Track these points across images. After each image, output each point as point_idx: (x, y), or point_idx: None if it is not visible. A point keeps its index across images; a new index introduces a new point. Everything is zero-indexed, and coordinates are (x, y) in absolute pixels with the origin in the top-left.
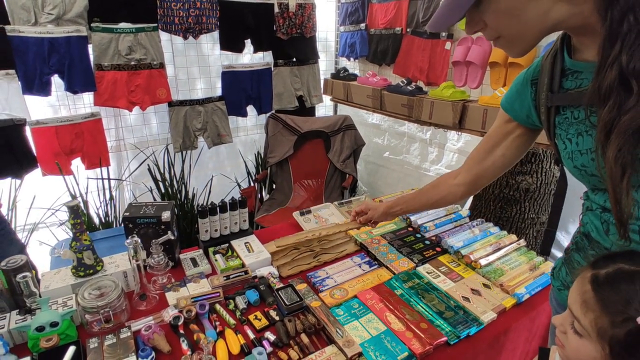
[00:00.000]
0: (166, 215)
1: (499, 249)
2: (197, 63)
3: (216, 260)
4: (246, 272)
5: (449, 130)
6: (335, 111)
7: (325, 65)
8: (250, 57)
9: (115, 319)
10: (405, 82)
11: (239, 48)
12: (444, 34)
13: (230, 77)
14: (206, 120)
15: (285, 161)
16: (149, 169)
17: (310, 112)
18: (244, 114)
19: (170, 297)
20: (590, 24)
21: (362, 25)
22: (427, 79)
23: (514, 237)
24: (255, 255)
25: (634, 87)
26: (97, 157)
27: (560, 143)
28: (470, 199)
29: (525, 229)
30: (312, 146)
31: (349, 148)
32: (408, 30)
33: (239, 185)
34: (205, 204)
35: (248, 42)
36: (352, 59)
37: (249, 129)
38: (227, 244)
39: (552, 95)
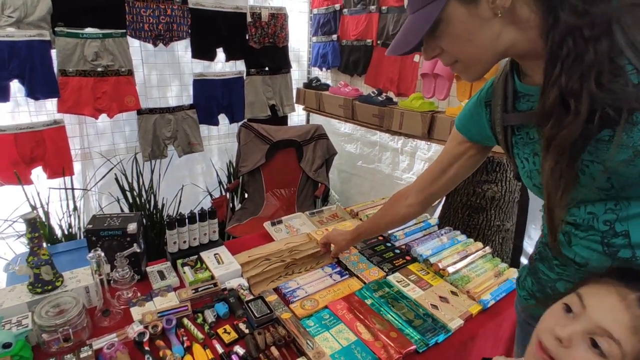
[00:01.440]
0: (132, 227)
1: (466, 257)
2: (167, 70)
3: (184, 272)
4: (215, 285)
5: (418, 139)
6: (308, 120)
7: (297, 75)
8: (222, 66)
9: (75, 337)
10: (376, 92)
11: (210, 56)
12: None
13: (201, 85)
14: (176, 128)
15: (258, 170)
16: (116, 179)
17: (283, 121)
18: (215, 123)
19: (136, 312)
20: (537, 49)
21: (334, 37)
22: (397, 89)
23: (479, 244)
24: (225, 267)
25: (572, 105)
26: (60, 166)
27: (519, 162)
28: (440, 207)
29: (492, 236)
30: (284, 155)
31: (321, 157)
32: (379, 42)
33: (210, 194)
34: (175, 214)
35: (220, 50)
36: (324, 69)
37: (221, 138)
38: (196, 256)
39: (507, 115)
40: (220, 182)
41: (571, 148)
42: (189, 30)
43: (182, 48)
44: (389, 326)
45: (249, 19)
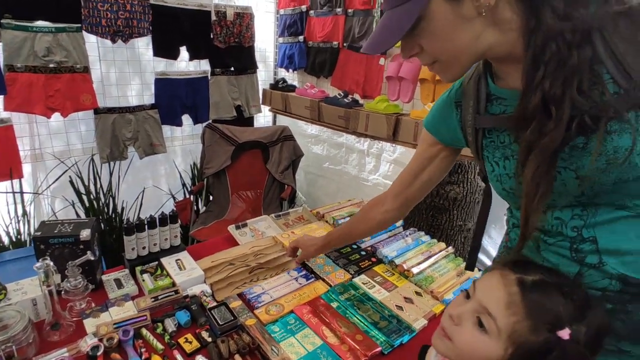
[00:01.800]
0: (85, 233)
1: (430, 257)
2: (127, 68)
3: (143, 280)
4: (176, 292)
5: (384, 141)
6: (274, 122)
7: (264, 76)
8: (186, 65)
9: (19, 355)
10: (342, 94)
11: (173, 55)
12: None
13: (164, 85)
14: (137, 129)
15: (223, 172)
16: (71, 181)
17: (249, 122)
18: (178, 123)
19: (89, 324)
20: (516, 52)
21: (301, 38)
22: (363, 92)
23: (443, 244)
24: (187, 273)
25: (553, 112)
26: (7, 168)
27: (488, 165)
28: None
29: (454, 235)
30: (250, 157)
31: (288, 159)
32: (345, 44)
33: (173, 197)
34: (135, 217)
35: (183, 49)
36: (290, 70)
37: (185, 139)
38: (156, 262)
39: (479, 117)
40: (184, 185)
41: (552, 154)
42: (150, 27)
43: (144, 45)
44: (354, 329)
45: (213, 17)
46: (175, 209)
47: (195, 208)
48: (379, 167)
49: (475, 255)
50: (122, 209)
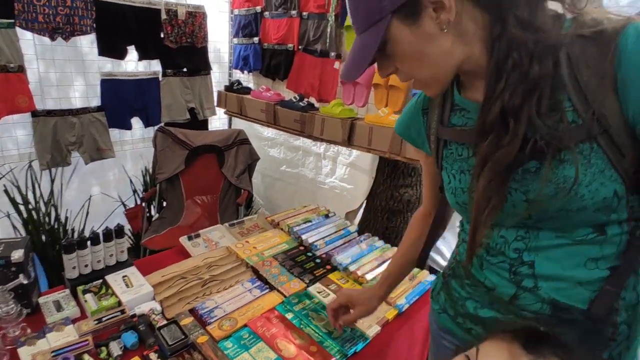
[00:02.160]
0: (17, 254)
1: (384, 262)
2: (69, 68)
3: (86, 301)
4: (123, 312)
5: (339, 145)
6: (230, 124)
7: (218, 77)
8: (135, 65)
9: None
10: (298, 98)
11: (120, 54)
12: (332, 53)
13: (111, 86)
14: (82, 133)
15: (176, 177)
16: (6, 190)
17: (203, 124)
18: (128, 127)
19: (24, 353)
20: (483, 64)
21: (256, 39)
22: (318, 95)
23: (395, 249)
24: (134, 290)
25: (510, 125)
26: None
27: (445, 176)
28: (361, 212)
29: None
30: (204, 161)
31: (243, 163)
32: (300, 47)
33: (123, 204)
34: (81, 227)
35: (132, 48)
36: (246, 72)
37: (135, 142)
38: (100, 280)
39: (441, 127)
40: (135, 191)
41: (505, 169)
42: (94, 25)
43: (88, 43)
44: (309, 340)
45: (164, 16)
46: (125, 217)
47: (148, 215)
48: (336, 170)
49: (426, 255)
50: (67, 218)
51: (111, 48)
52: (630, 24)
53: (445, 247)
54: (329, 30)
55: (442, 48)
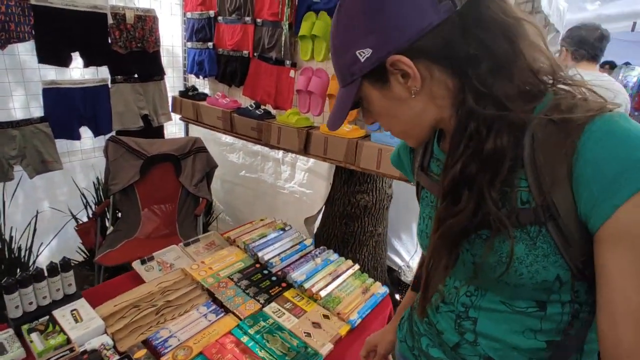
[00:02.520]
0: None
1: (338, 277)
2: (7, 77)
3: (31, 341)
4: (72, 350)
5: (296, 154)
6: (187, 131)
7: (173, 82)
8: (81, 72)
9: None
10: (254, 105)
11: (64, 62)
12: (288, 62)
13: (55, 95)
14: (23, 145)
15: (131, 187)
16: None
17: (158, 131)
18: (76, 137)
19: None
20: (452, 127)
21: (210, 44)
22: (275, 103)
23: (350, 262)
24: (84, 325)
25: (463, 195)
26: None
27: (419, 218)
28: (319, 218)
29: (366, 240)
30: (161, 170)
31: (201, 171)
32: (255, 54)
33: (75, 218)
34: (28, 245)
35: (77, 55)
36: (201, 77)
37: (85, 153)
38: (47, 317)
39: (420, 172)
40: (87, 204)
41: (457, 234)
42: (32, 31)
43: (27, 51)
44: None
45: (110, 20)
46: (77, 233)
47: (102, 228)
48: (295, 175)
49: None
50: (11, 237)
51: (53, 55)
52: (596, 119)
53: (402, 248)
54: (283, 38)
55: (413, 110)
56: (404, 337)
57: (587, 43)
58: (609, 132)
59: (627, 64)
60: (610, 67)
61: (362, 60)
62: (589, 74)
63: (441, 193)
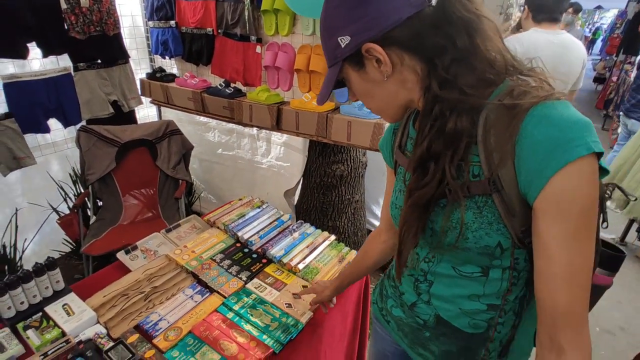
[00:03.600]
0: None
1: (315, 249)
2: None
3: (28, 337)
4: (68, 341)
5: (269, 130)
6: (160, 114)
7: (139, 64)
8: (40, 63)
9: None
10: (224, 84)
11: (21, 54)
12: (253, 37)
13: (16, 89)
14: None
15: (109, 175)
16: None
17: (130, 116)
18: (44, 130)
19: None
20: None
21: (172, 23)
22: (244, 80)
23: (326, 234)
24: (76, 318)
25: (430, 167)
26: None
27: (393, 192)
28: (298, 191)
29: (345, 209)
30: (137, 156)
31: (177, 153)
32: (219, 31)
33: (56, 211)
34: (13, 242)
35: (33, 45)
36: (167, 57)
37: (58, 145)
38: (40, 313)
39: (398, 151)
40: (66, 197)
41: (424, 204)
42: None
43: None
44: (249, 336)
45: (64, 5)
46: (59, 226)
47: (85, 218)
48: (271, 150)
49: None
50: None
51: (8, 48)
52: (539, 105)
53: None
54: (246, 13)
55: (387, 91)
56: (375, 299)
57: (546, 6)
58: (546, 116)
59: (599, 7)
60: (574, 10)
61: (343, 46)
62: (549, 33)
63: (412, 167)
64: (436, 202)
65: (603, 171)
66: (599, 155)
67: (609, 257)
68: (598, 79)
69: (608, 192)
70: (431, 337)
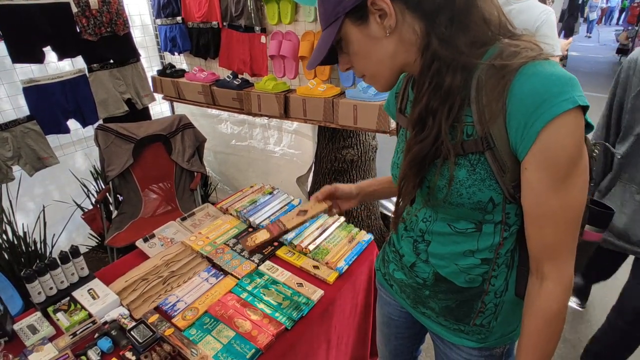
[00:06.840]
0: None
1: (325, 230)
2: None
3: (58, 319)
4: (94, 322)
5: (278, 119)
6: (173, 109)
7: (150, 62)
8: (56, 66)
9: None
10: (232, 76)
11: (38, 58)
12: (257, 27)
13: (36, 93)
14: (17, 145)
15: (127, 171)
16: None
17: (144, 113)
18: (64, 130)
19: None
20: (419, 69)
21: (179, 19)
22: (251, 70)
23: (336, 216)
24: (101, 301)
25: (428, 123)
26: None
27: (394, 152)
28: (310, 177)
29: None
30: (152, 151)
31: (191, 147)
32: (224, 23)
33: (80, 207)
34: (42, 238)
35: (49, 49)
36: (176, 54)
37: (77, 144)
38: (68, 298)
39: (398, 113)
40: (88, 192)
41: (421, 160)
42: (0, 32)
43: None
44: (262, 314)
45: (74, 9)
46: (84, 221)
47: (107, 213)
48: (282, 138)
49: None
50: (25, 233)
51: (26, 53)
52: (528, 64)
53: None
54: (249, 4)
55: (386, 50)
56: (379, 266)
57: None
58: (534, 73)
59: None
60: None
61: None
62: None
63: (410, 124)
64: (432, 160)
65: (588, 126)
66: (585, 108)
67: (598, 214)
68: (621, 50)
69: (596, 150)
70: (430, 294)
